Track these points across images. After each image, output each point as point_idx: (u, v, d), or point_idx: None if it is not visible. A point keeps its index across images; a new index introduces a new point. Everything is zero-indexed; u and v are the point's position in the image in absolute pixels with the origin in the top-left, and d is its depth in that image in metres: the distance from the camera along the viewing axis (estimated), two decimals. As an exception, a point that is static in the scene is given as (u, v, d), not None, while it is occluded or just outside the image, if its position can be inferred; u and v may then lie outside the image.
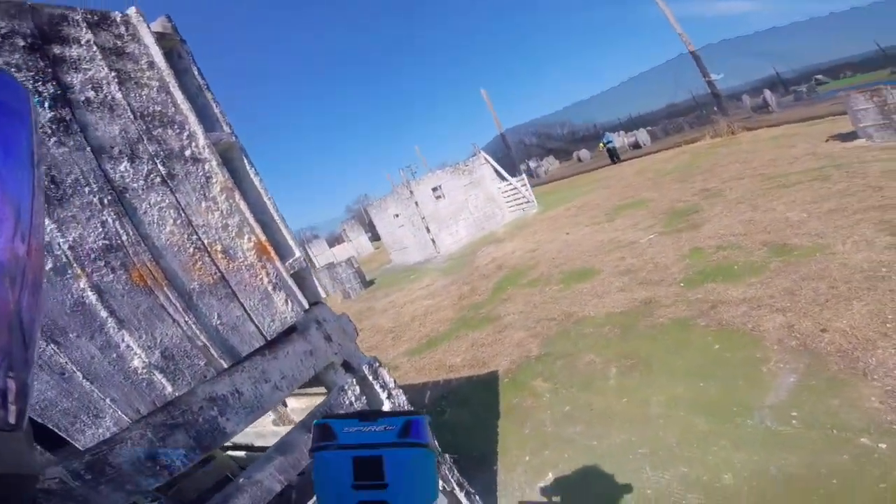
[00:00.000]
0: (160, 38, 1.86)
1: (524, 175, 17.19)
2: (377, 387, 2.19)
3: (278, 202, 2.09)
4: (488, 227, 16.78)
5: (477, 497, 2.48)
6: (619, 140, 27.19)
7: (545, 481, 3.11)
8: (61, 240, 1.34)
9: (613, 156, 21.96)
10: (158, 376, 1.42)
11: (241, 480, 1.58)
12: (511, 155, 29.29)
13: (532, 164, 32.57)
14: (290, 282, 1.87)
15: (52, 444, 1.25)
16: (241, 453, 3.14)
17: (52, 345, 1.25)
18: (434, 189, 16.26)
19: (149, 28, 1.81)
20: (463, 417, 4.39)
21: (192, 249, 1.62)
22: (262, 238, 1.85)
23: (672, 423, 3.13)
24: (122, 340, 1.38)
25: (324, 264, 20.60)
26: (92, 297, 1.35)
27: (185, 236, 1.62)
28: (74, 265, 1.35)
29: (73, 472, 1.23)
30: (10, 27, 1.47)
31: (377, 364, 2.25)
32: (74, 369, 1.27)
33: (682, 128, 23.55)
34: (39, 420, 1.19)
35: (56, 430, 1.21)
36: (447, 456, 2.43)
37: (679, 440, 2.97)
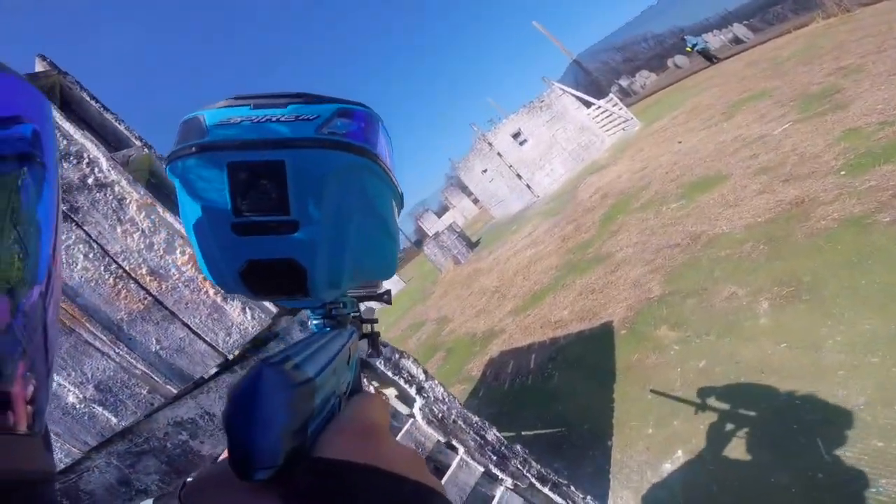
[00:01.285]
0: (33, 79, 1.71)
1: (612, 95, 15.18)
2: (402, 382, 1.76)
3: None
4: (588, 158, 15.36)
5: (571, 488, 1.93)
6: (716, 39, 23.48)
7: (672, 461, 2.43)
8: None
9: (708, 56, 19.02)
10: (99, 409, 1.37)
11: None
12: (597, 79, 26.23)
13: (623, 82, 29.60)
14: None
15: None
16: None
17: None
18: (515, 135, 15.29)
19: (14, 75, 1.59)
20: (573, 383, 3.77)
21: (111, 280, 1.38)
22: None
23: (859, 376, 2.18)
24: (53, 380, 1.19)
25: (431, 235, 21.03)
26: None
27: (102, 268, 1.37)
28: None
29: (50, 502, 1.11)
30: None
31: (397, 355, 1.79)
32: None
33: (785, 16, 19.88)
34: None
35: None
36: (518, 448, 1.89)
37: (870, 400, 2.05)
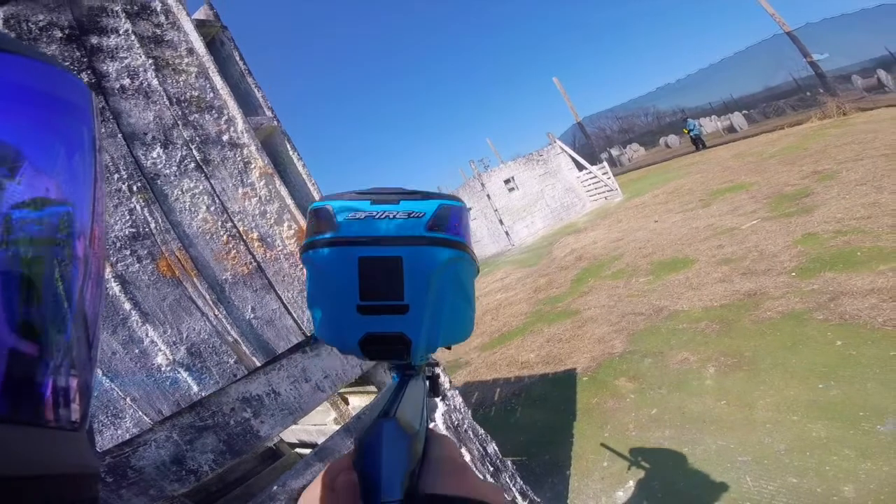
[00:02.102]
0: (201, 25, 1.84)
1: (605, 164, 16.04)
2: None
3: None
4: (567, 218, 16.01)
5: None
6: (712, 124, 24.99)
7: (625, 490, 2.76)
8: None
9: (699, 143, 20.21)
10: (184, 374, 1.33)
11: (274, 488, 1.44)
12: (591, 143, 27.70)
13: (614, 151, 30.73)
14: None
15: None
16: (307, 450, 3.11)
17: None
18: (507, 181, 15.85)
19: (189, 16, 1.78)
20: (535, 417, 4.06)
21: (225, 237, 1.53)
22: (303, 224, 1.73)
23: (782, 429, 2.70)
24: (146, 335, 1.30)
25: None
26: (115, 288, 1.28)
27: (219, 223, 1.53)
28: None
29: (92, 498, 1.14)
30: (48, 19, 1.47)
31: (438, 369, 2.03)
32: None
33: (784, 110, 21.16)
34: None
35: None
36: (509, 463, 2.14)
37: (789, 447, 2.55)
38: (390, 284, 0.39)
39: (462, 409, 2.03)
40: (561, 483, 3.05)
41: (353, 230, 0.39)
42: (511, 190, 15.87)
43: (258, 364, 1.47)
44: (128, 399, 1.21)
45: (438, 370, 0.60)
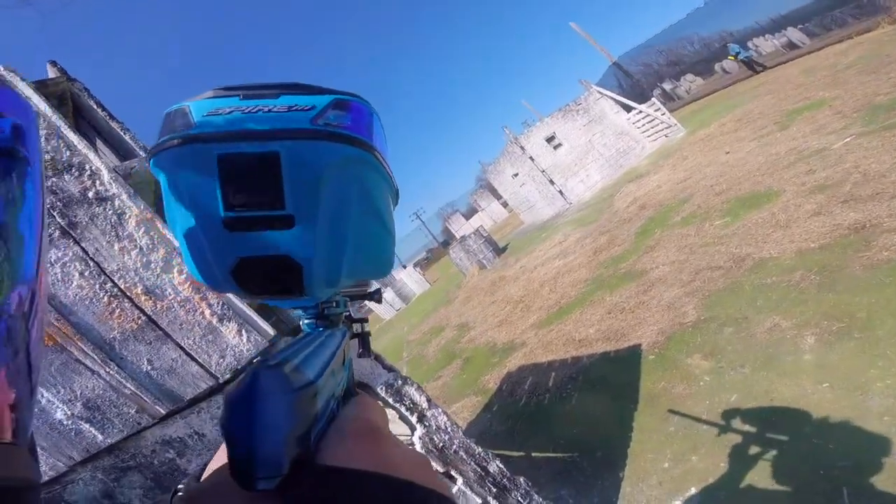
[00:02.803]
0: (42, 86, 1.74)
1: (654, 100, 14.51)
2: (403, 409, 1.68)
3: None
4: (626, 164, 14.82)
5: None
6: (768, 43, 22.29)
7: (685, 499, 2.29)
8: None
9: (751, 65, 18.20)
10: (85, 426, 1.36)
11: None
12: (637, 83, 25.28)
13: (667, 86, 28.27)
14: (248, 309, 1.46)
15: None
16: None
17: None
18: (549, 139, 14.90)
19: (25, 81, 1.62)
20: (591, 406, 3.60)
21: (106, 299, 1.37)
22: None
23: None
24: (42, 395, 1.32)
25: (459, 237, 20.92)
26: None
27: (97, 286, 1.37)
28: None
29: None
30: None
31: (400, 381, 1.71)
32: None
33: (845, 20, 18.54)
34: None
35: None
36: (521, 480, 1.77)
37: None
38: (265, 189, 0.29)
39: (448, 429, 1.72)
40: (612, 487, 2.63)
41: (213, 126, 0.29)
42: (556, 147, 14.88)
43: (163, 412, 1.43)
44: (38, 449, 1.09)
45: (367, 326, 0.42)
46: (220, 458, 0.27)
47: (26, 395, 0.23)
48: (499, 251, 15.16)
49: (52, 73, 1.86)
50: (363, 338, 0.53)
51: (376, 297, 0.56)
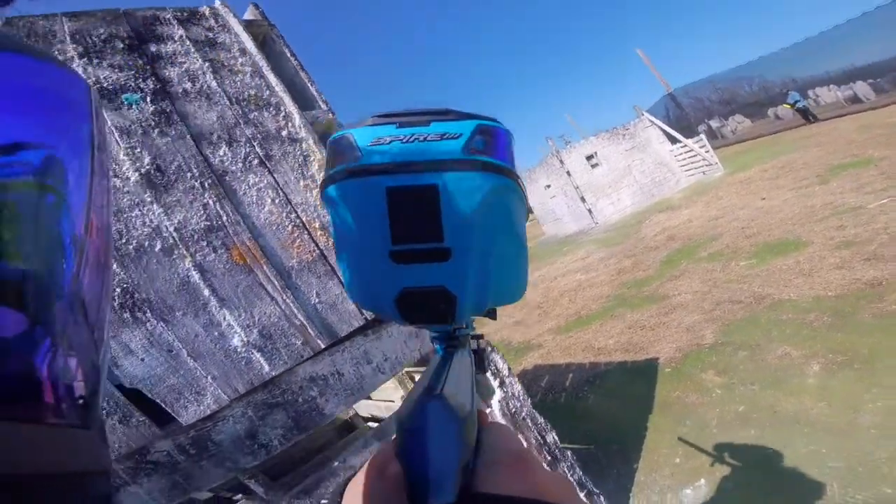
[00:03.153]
0: (249, 25, 1.93)
1: (702, 136, 14.52)
2: (488, 374, 1.96)
3: None
4: (659, 194, 14.84)
5: (601, 498, 2.10)
6: (831, 94, 21.77)
7: (695, 488, 2.59)
8: (167, 223, 1.44)
9: (807, 114, 17.76)
10: (256, 355, 1.45)
11: (335, 464, 1.55)
12: (687, 115, 25.01)
13: (714, 123, 27.93)
14: None
15: (158, 419, 1.34)
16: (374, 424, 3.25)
17: (162, 323, 1.35)
18: (589, 157, 15.03)
19: (237, 18, 1.87)
20: (608, 407, 3.89)
21: (290, 227, 1.64)
22: None
23: (889, 437, 2.41)
24: (224, 319, 1.43)
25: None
26: (196, 276, 1.43)
27: (284, 215, 1.64)
28: (180, 246, 1.45)
29: (179, 447, 1.31)
30: (108, 32, 1.63)
31: (489, 348, 2.02)
32: (181, 346, 1.36)
33: None
34: (149, 395, 1.29)
35: (163, 406, 1.31)
36: (569, 453, 2.08)
37: (892, 456, 2.26)
38: (426, 222, 0.32)
39: (521, 397, 2.01)
40: (626, 475, 2.93)
41: (379, 157, 0.32)
42: (594, 166, 15.02)
43: (322, 346, 1.56)
44: (209, 377, 1.37)
45: (484, 343, 0.54)
46: (359, 481, 0.28)
47: (94, 380, 0.23)
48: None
49: (251, 14, 2.02)
50: (480, 354, 0.52)
51: (492, 314, 0.52)
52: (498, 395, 1.97)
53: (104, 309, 0.25)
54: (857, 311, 3.48)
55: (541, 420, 2.05)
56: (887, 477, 2.17)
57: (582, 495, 2.07)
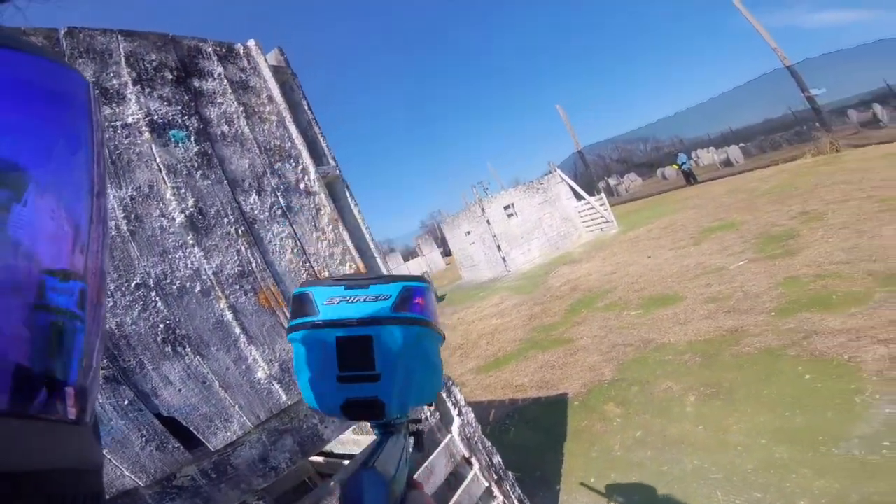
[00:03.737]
0: (276, 71, 2.03)
1: (602, 195, 16.41)
2: (449, 404, 2.32)
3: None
4: (563, 247, 16.34)
5: None
6: (710, 156, 25.45)
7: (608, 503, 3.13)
8: (207, 266, 1.62)
9: (689, 176, 20.52)
10: (276, 386, 1.64)
11: (331, 483, 1.78)
12: (589, 173, 28.10)
13: (612, 181, 31.11)
14: None
15: (188, 445, 1.46)
16: (320, 459, 3.38)
17: (198, 357, 1.52)
18: (506, 207, 16.24)
19: (266, 61, 1.95)
20: (528, 438, 4.41)
21: (305, 276, 1.85)
22: (361, 265, 2.06)
23: (751, 451, 3.08)
24: (251, 354, 1.63)
25: (397, 278, 21.31)
26: (229, 315, 1.61)
27: (300, 263, 1.85)
28: (217, 288, 1.62)
29: (202, 472, 1.45)
30: (159, 59, 1.69)
31: (450, 382, 2.38)
32: (213, 378, 1.52)
33: (780, 144, 21.54)
34: (184, 423, 1.44)
35: (195, 433, 1.46)
36: (510, 473, 2.49)
37: (756, 467, 2.92)
38: (364, 358, 0.47)
39: (473, 424, 2.38)
40: (550, 497, 3.39)
41: (330, 314, 0.48)
42: (510, 216, 16.22)
43: None
44: (236, 406, 1.54)
45: (422, 426, 0.79)
46: None
47: (90, 377, 0.24)
48: (437, 299, 15.87)
49: (275, 59, 2.04)
50: (417, 435, 0.63)
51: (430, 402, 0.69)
52: (457, 422, 2.29)
53: (99, 349, 0.26)
54: (720, 352, 4.45)
55: (488, 444, 2.42)
56: (755, 484, 2.80)
57: None
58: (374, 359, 0.47)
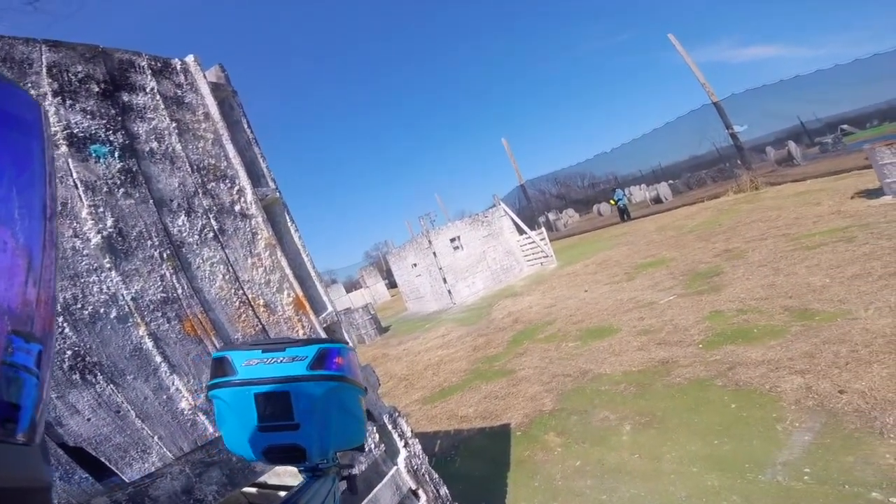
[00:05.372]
0: (215, 88, 1.94)
1: (543, 229, 17.11)
2: (395, 436, 2.26)
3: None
4: (506, 280, 16.71)
5: None
6: (641, 193, 26.94)
7: None
8: (125, 291, 1.51)
9: (624, 213, 21.61)
10: (202, 417, 1.54)
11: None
12: (531, 206, 29.26)
13: (552, 216, 32.32)
14: (324, 335, 2.00)
15: (99, 476, 1.35)
16: (253, 490, 3.15)
17: (111, 385, 1.40)
18: (452, 240, 16.46)
19: (205, 77, 1.88)
20: (473, 468, 4.36)
21: (237, 303, 1.75)
22: (300, 293, 1.97)
23: (683, 479, 3.17)
24: (173, 384, 1.52)
25: (341, 310, 20.78)
26: (149, 343, 1.51)
27: (233, 291, 1.75)
28: (135, 315, 1.51)
29: (115, 502, 1.32)
30: (85, 71, 1.59)
31: (396, 414, 2.33)
32: (129, 408, 1.41)
33: (705, 181, 23.09)
34: (93, 453, 1.32)
35: (107, 463, 1.34)
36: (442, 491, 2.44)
37: (689, 494, 3.01)
38: (282, 411, 0.51)
39: (420, 455, 2.32)
40: (496, 529, 3.33)
41: (248, 374, 0.53)
42: (456, 249, 16.42)
43: None
44: (155, 437, 1.42)
45: (354, 471, 0.82)
46: None
47: (37, 397, 0.24)
48: (381, 330, 15.63)
49: (215, 75, 1.95)
50: (350, 479, 0.66)
51: (360, 448, 0.71)
52: (403, 454, 2.22)
53: (53, 339, 0.26)
54: (653, 382, 4.65)
55: (436, 476, 2.36)
56: (689, 513, 2.93)
57: None
58: (292, 411, 0.52)
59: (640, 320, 6.81)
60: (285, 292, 1.92)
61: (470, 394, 6.36)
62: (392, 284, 35.94)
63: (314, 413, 0.52)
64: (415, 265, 17.42)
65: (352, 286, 42.85)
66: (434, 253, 15.96)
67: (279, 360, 0.52)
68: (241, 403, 0.52)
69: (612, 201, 23.13)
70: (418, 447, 2.31)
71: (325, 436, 0.54)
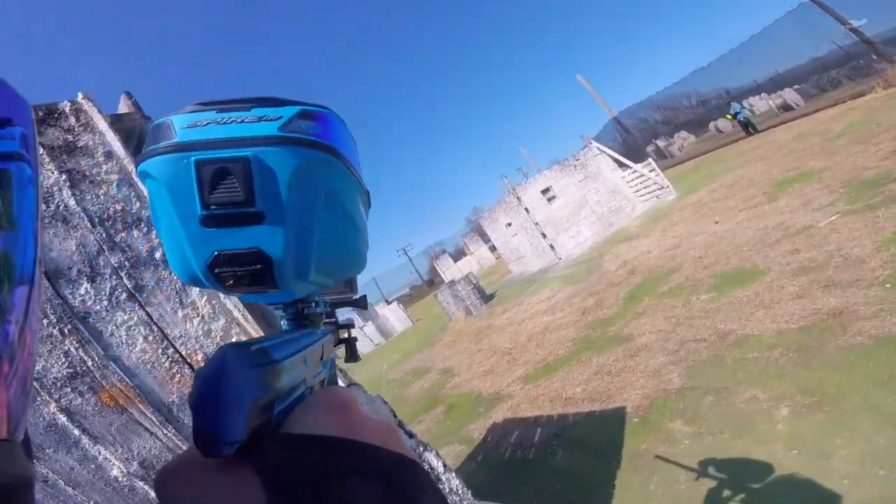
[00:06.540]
0: (118, 121, 1.72)
1: (651, 160, 14.98)
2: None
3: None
4: (617, 223, 15.20)
5: None
6: (763, 103, 23.40)
7: None
8: None
9: (748, 126, 18.62)
10: (140, 483, 1.41)
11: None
12: (634, 137, 26.27)
13: (661, 143, 29.02)
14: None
15: None
16: None
17: (34, 459, 1.26)
18: (544, 191, 15.38)
19: (101, 114, 1.66)
20: (576, 463, 3.75)
21: (168, 364, 1.47)
22: (260, 333, 1.60)
23: (862, 485, 2.30)
24: (99, 454, 1.38)
25: (447, 282, 21.10)
26: (63, 418, 1.35)
27: (160, 351, 1.48)
28: (42, 393, 1.34)
29: None
30: None
31: (423, 448, 1.83)
32: (56, 477, 1.33)
33: (839, 82, 19.32)
34: None
35: None
36: None
37: None
38: (238, 189, 0.33)
39: (460, 491, 1.83)
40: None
41: (192, 135, 0.33)
42: (550, 200, 15.36)
43: None
44: (91, 502, 1.34)
45: (354, 333, 0.58)
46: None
47: (20, 391, 0.23)
48: (486, 299, 15.34)
49: (124, 106, 1.81)
50: (350, 343, 0.55)
51: (361, 303, 0.59)
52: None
53: (36, 335, 0.25)
54: (822, 344, 3.46)
55: None
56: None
57: None
58: (253, 191, 0.33)
59: (794, 254, 5.26)
60: (234, 338, 1.50)
61: (578, 369, 5.63)
62: (494, 248, 35.56)
63: (287, 197, 0.34)
64: (509, 225, 16.67)
65: (458, 255, 43.67)
66: (526, 209, 14.99)
67: (241, 120, 0.33)
68: (178, 180, 0.33)
69: (728, 116, 20.44)
70: (455, 482, 1.85)
71: (303, 240, 0.35)
